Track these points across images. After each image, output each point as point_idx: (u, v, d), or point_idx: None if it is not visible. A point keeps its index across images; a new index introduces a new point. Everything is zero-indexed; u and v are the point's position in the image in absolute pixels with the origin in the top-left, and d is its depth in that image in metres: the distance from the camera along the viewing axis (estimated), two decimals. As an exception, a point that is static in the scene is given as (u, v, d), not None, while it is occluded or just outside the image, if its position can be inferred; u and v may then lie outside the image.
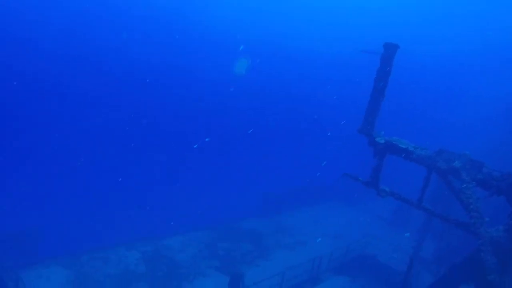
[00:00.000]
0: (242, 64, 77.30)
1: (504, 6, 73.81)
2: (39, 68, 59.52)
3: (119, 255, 25.72)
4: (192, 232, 30.68)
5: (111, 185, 46.65)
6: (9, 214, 35.01)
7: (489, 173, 11.98)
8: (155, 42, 79.33)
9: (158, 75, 73.24)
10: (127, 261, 25.27)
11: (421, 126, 69.52)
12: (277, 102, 78.16)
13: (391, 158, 14.60)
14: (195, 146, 55.98)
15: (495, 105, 51.74)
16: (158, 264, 25.63)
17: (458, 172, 12.19)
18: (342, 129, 57.39)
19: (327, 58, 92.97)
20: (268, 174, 54.52)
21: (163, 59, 76.91)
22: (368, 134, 14.19)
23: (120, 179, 47.17)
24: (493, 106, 55.07)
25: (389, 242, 33.02)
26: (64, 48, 65.16)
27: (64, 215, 37.10)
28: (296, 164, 62.01)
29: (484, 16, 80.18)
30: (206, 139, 58.12)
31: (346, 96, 74.69)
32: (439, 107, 77.75)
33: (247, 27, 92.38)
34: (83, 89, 62.21)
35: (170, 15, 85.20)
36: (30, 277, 21.38)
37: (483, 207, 12.28)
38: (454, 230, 26.64)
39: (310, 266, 26.63)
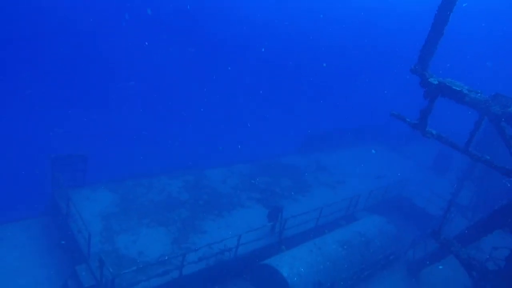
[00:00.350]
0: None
1: None
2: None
3: (163, 183, 26.41)
4: (234, 165, 31.15)
5: (157, 117, 47.84)
6: (64, 139, 36.91)
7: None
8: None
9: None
10: (170, 189, 25.97)
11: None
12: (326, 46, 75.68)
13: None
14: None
15: None
16: (200, 193, 26.34)
17: (514, 117, 11.87)
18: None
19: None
20: (311, 115, 54.26)
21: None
22: (421, 74, 13.72)
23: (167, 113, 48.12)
24: None
25: (427, 187, 32.87)
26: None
27: (111, 143, 38.61)
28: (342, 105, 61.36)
29: None
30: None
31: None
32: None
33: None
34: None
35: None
36: (79, 198, 22.38)
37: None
38: (495, 179, 26.39)
39: (347, 204, 27.15)
